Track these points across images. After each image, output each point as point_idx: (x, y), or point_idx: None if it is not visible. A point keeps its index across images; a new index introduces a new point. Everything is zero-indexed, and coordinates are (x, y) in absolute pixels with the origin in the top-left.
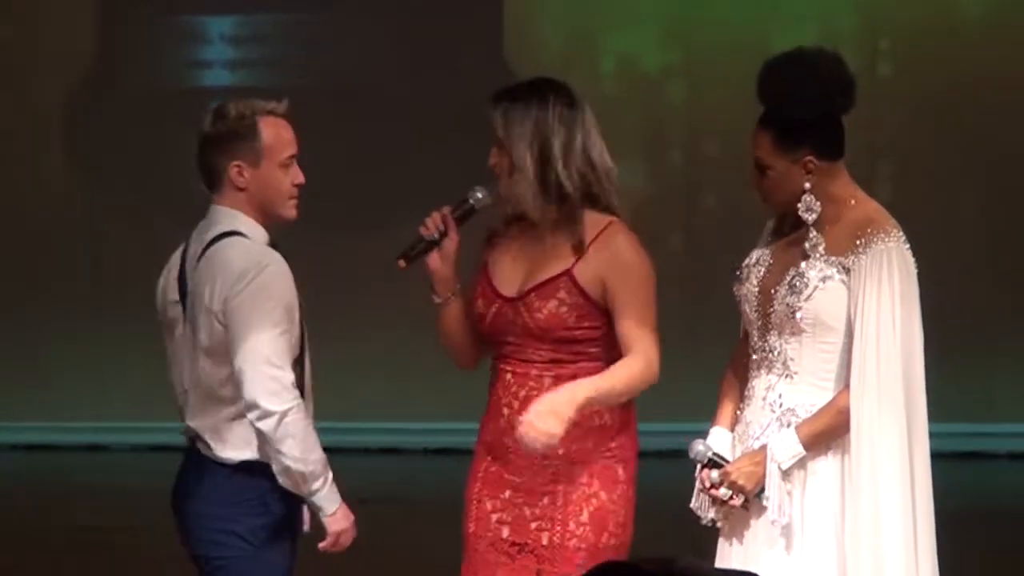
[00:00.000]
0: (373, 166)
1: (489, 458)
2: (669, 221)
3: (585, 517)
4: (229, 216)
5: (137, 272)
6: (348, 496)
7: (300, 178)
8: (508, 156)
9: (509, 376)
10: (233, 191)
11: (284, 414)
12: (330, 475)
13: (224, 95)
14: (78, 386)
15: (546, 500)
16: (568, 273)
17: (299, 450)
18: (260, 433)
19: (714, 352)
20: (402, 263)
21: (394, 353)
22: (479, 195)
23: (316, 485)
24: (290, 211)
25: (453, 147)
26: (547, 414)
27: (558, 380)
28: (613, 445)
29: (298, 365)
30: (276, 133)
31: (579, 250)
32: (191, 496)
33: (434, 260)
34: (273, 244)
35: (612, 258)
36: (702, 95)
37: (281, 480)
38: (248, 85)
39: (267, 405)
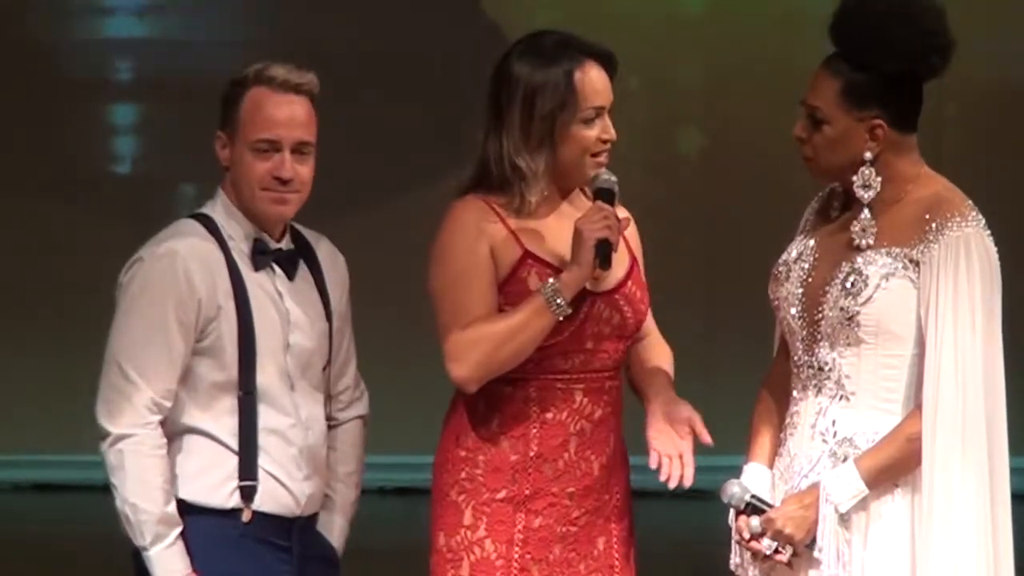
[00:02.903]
0: (326, 137)
1: (526, 514)
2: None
3: (632, 559)
4: (215, 198)
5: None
6: None
7: (284, 172)
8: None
9: (580, 395)
10: (224, 167)
11: (119, 439)
12: (172, 536)
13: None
14: None
15: (601, 545)
16: (633, 255)
17: (128, 490)
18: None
19: (741, 368)
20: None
21: None
22: (614, 179)
23: (143, 541)
24: (263, 205)
25: (419, 113)
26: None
27: (616, 391)
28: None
29: (231, 393)
30: (258, 108)
31: (626, 226)
32: None
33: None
34: (264, 249)
35: (635, 237)
36: (729, 57)
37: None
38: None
39: (102, 423)
